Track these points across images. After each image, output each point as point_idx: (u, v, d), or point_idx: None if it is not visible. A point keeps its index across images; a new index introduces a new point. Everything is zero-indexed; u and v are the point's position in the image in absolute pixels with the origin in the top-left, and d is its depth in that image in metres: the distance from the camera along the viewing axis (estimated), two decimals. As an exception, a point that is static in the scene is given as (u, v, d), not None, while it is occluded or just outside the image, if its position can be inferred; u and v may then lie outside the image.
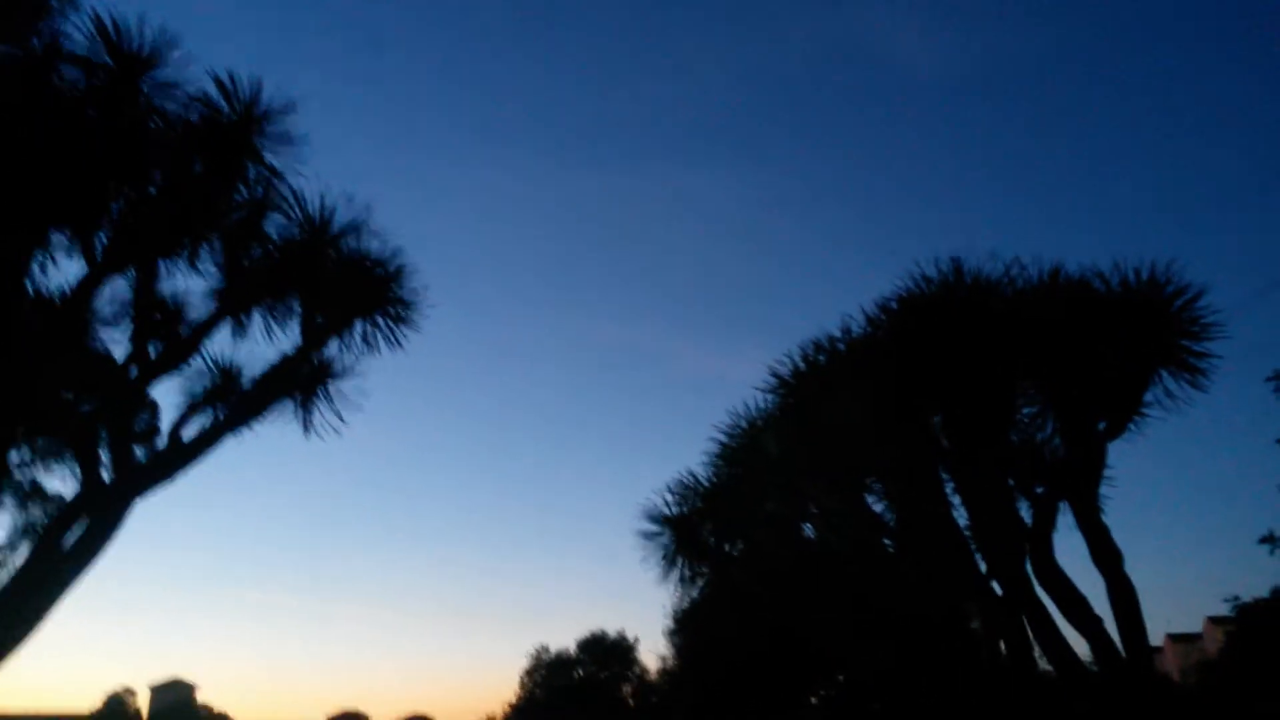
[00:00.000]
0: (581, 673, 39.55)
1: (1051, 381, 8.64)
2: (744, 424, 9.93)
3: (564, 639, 50.12)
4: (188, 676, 68.94)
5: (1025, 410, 9.09)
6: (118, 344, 7.57)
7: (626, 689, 38.82)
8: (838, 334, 9.29)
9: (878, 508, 10.01)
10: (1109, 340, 8.11)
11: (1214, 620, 33.29)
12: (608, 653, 39.47)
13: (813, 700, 14.60)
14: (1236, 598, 15.55)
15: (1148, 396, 8.41)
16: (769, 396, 9.70)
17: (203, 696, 67.02)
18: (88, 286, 6.88)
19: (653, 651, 41.53)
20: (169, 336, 7.76)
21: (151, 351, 7.51)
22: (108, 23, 6.27)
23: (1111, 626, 7.96)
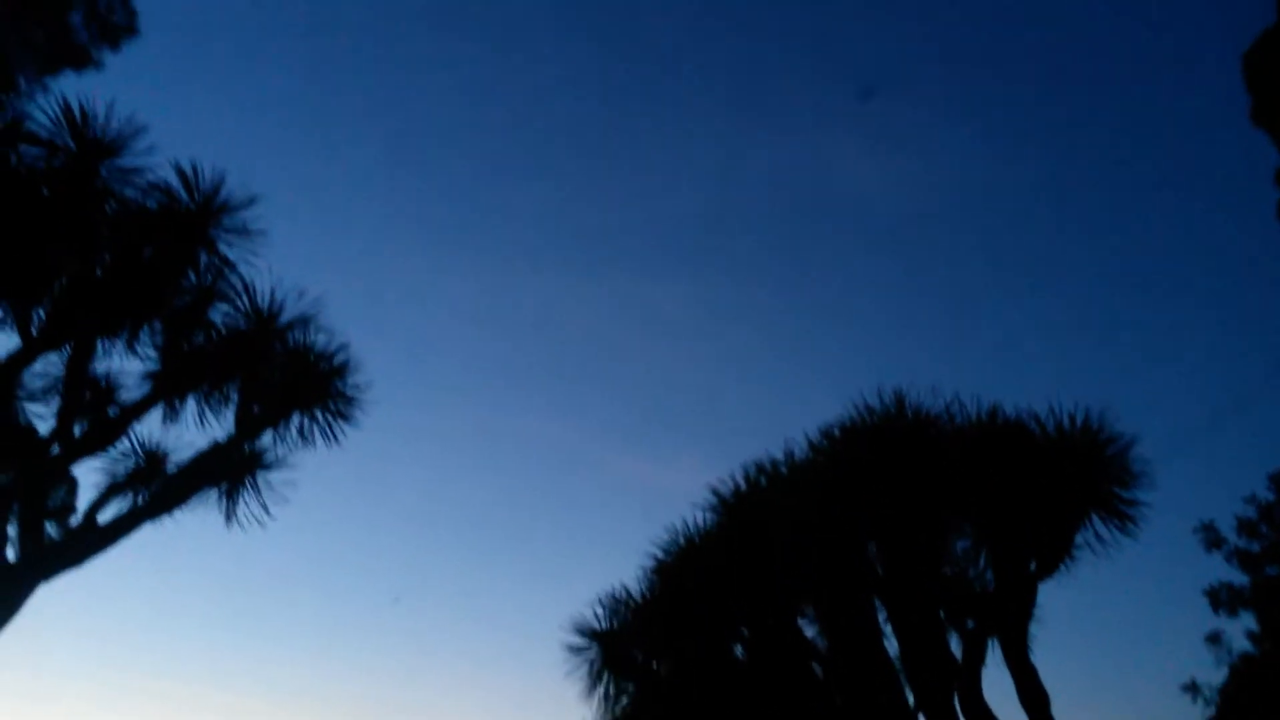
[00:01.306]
0: (495, 780, 38.01)
1: (985, 518, 8.75)
2: (681, 541, 9.86)
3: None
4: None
5: (960, 544, 9.18)
6: (42, 419, 7.35)
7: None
8: (780, 457, 9.36)
9: (810, 632, 9.95)
10: (1042, 482, 8.26)
11: (1136, 759, 33.25)
12: (524, 760, 38.06)
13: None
14: (1156, 743, 15.57)
15: (1078, 539, 8.54)
16: (708, 515, 9.67)
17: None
18: (18, 361, 6.69)
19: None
20: (97, 416, 7.55)
21: (77, 430, 7.28)
22: (74, 107, 6.29)
23: (1034, 767, 7.91)
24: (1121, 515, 8.43)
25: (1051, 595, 9.43)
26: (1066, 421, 8.31)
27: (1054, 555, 8.44)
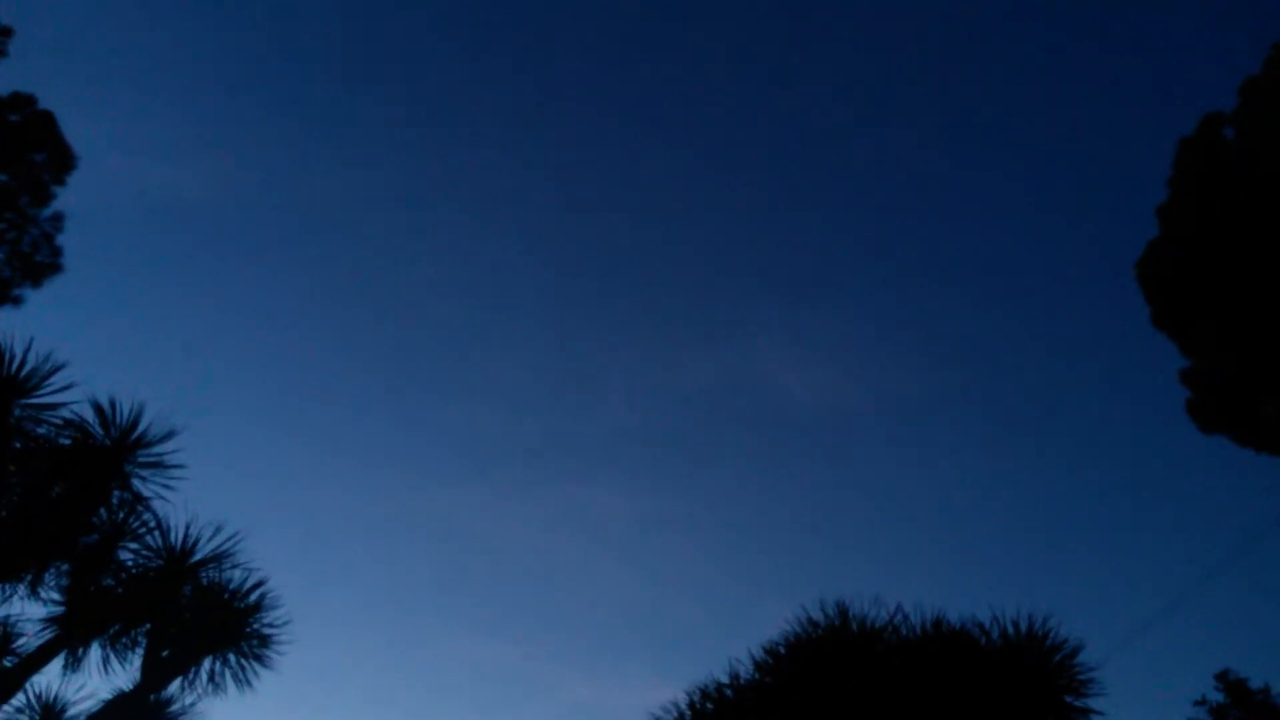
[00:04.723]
0: None
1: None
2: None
3: None
4: None
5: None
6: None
7: None
8: (725, 679, 8.99)
9: None
10: (994, 694, 8.03)
11: None
12: None
13: None
14: None
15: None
16: (654, 747, 9.14)
17: None
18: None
19: None
20: (-8, 669, 7.01)
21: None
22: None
23: None
24: (1077, 727, 8.18)
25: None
26: (1011, 629, 8.19)
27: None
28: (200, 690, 7.32)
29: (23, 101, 11.45)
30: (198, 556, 6.92)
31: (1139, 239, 16.09)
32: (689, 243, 35.19)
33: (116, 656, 7.22)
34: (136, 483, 6.69)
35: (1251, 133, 15.55)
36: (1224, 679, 15.98)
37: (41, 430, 6.54)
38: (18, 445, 6.49)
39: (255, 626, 7.19)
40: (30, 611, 7.06)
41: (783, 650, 8.88)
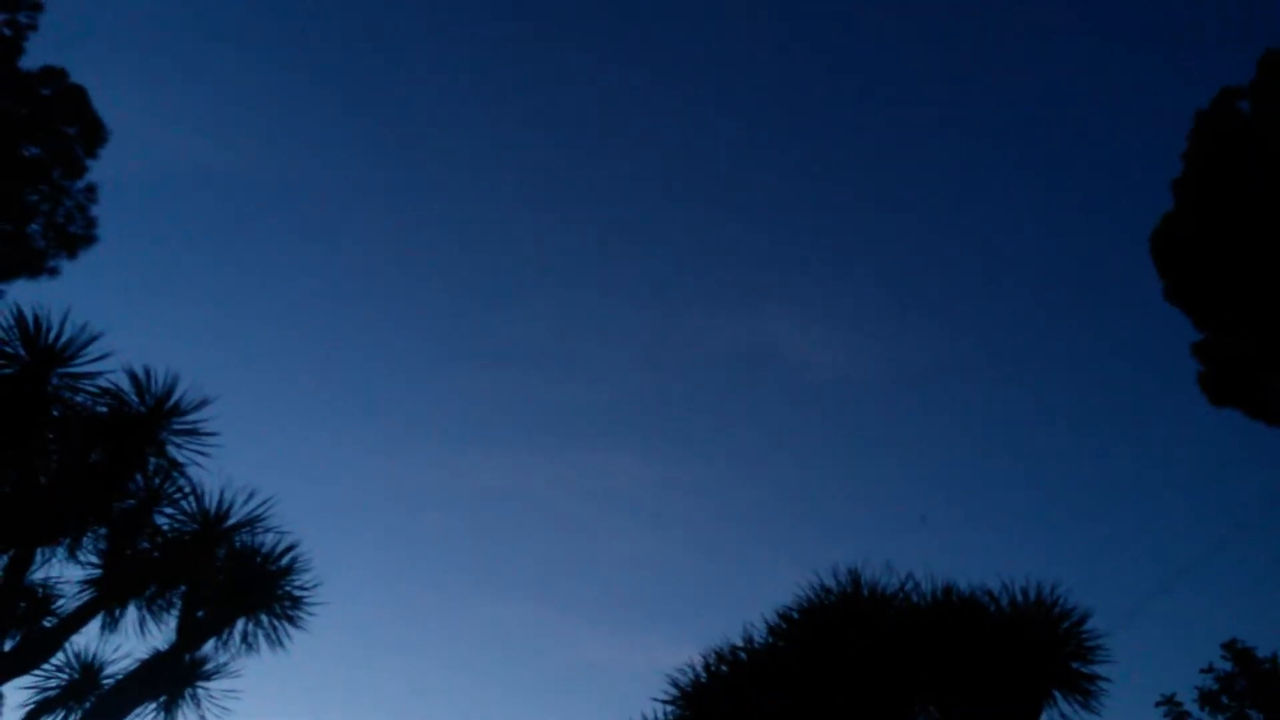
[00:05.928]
0: None
1: (949, 699, 8.62)
2: (642, 738, 9.49)
3: None
4: None
5: (926, 727, 8.98)
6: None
7: None
8: (739, 642, 9.19)
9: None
10: (1002, 661, 8.21)
11: None
12: None
13: None
14: None
15: (1043, 718, 8.43)
16: (669, 709, 9.37)
17: None
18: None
19: None
20: (31, 629, 7.26)
21: (8, 644, 6.98)
22: (28, 315, 6.41)
23: None
24: (1083, 691, 8.36)
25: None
26: (1020, 596, 8.35)
27: (1020, 735, 8.28)
28: (234, 650, 7.57)
29: (54, 75, 11.61)
30: (231, 521, 7.15)
31: (1154, 213, 16.09)
32: (708, 211, 35.24)
33: (152, 617, 7.47)
34: (171, 449, 6.90)
35: (1269, 106, 15.48)
36: (1231, 648, 16.10)
37: (79, 398, 6.74)
38: (56, 413, 6.69)
39: (287, 588, 7.43)
40: (69, 574, 7.30)
41: (796, 615, 9.07)
